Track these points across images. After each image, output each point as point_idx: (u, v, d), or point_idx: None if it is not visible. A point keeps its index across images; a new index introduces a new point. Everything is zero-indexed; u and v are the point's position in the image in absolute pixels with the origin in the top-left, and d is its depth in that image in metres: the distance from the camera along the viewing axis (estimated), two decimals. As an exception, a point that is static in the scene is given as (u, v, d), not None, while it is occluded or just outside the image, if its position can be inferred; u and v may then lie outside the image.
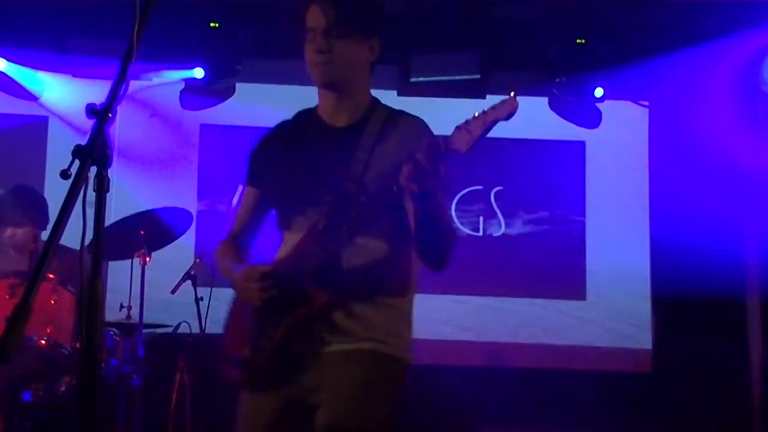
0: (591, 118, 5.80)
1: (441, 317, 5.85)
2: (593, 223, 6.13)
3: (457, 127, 2.08)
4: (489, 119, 2.07)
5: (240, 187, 2.55)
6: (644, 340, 5.92)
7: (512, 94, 2.08)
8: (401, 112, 2.44)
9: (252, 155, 2.54)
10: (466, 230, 6.07)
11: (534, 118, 5.87)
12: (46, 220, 4.37)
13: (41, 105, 5.73)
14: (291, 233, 2.36)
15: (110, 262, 4.92)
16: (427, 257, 2.30)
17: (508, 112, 2.07)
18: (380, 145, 2.31)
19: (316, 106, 2.47)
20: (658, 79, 5.91)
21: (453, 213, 6.04)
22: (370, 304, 2.29)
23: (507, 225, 6.08)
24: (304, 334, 2.28)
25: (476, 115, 2.08)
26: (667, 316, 5.82)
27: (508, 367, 5.81)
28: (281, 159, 2.44)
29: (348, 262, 2.26)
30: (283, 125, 2.53)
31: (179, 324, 4.84)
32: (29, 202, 4.33)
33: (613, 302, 6.02)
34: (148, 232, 4.39)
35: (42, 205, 4.37)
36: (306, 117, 2.48)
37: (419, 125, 2.40)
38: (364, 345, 2.28)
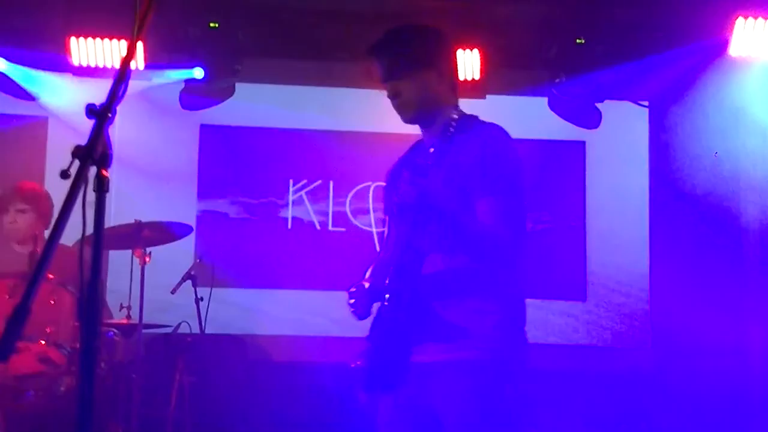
0: (591, 119, 5.80)
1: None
2: (593, 224, 6.14)
3: None
4: None
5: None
6: (644, 340, 5.92)
7: None
8: (471, 119, 2.58)
9: (384, 187, 2.77)
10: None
11: (534, 119, 5.87)
12: (50, 214, 4.40)
13: (41, 105, 5.72)
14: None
15: (110, 264, 4.93)
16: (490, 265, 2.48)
17: None
18: (451, 159, 2.44)
19: None
20: (658, 78, 5.92)
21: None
22: (461, 313, 2.40)
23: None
24: (399, 347, 2.41)
25: None
26: (667, 316, 5.82)
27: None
28: (393, 186, 2.61)
29: (426, 270, 2.41)
30: (405, 154, 2.74)
31: (179, 324, 4.85)
32: (33, 192, 4.38)
33: (612, 302, 6.03)
34: (149, 235, 4.41)
35: (46, 198, 4.41)
36: (415, 143, 2.73)
37: (487, 136, 2.54)
38: (464, 354, 2.38)
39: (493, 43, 5.39)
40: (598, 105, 5.75)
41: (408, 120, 2.62)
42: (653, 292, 5.97)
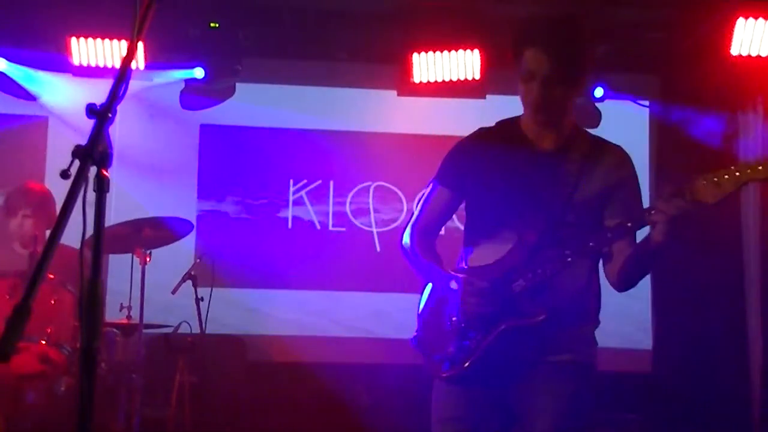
0: (591, 118, 5.80)
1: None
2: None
3: (704, 178, 2.18)
4: (743, 180, 2.15)
5: (431, 184, 2.64)
6: (644, 341, 5.92)
7: None
8: (602, 140, 2.59)
9: (451, 157, 2.61)
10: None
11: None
12: (53, 215, 4.40)
13: (41, 105, 5.72)
14: (491, 245, 2.48)
15: (110, 264, 4.93)
16: (625, 284, 2.56)
17: (765, 176, 2.13)
18: (587, 170, 2.44)
19: (519, 118, 2.56)
20: (658, 78, 5.92)
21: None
22: (574, 317, 2.49)
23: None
24: (516, 343, 2.40)
25: (731, 169, 2.15)
26: (667, 317, 5.82)
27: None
28: (484, 169, 2.52)
29: (562, 284, 2.41)
30: (486, 133, 2.60)
31: (179, 324, 4.84)
32: (40, 196, 4.38)
33: (612, 303, 6.01)
34: (149, 234, 4.40)
35: (50, 201, 4.41)
36: (510, 130, 2.55)
37: (624, 155, 2.58)
38: (568, 357, 2.47)
39: (493, 43, 5.39)
40: (598, 105, 5.75)
41: (542, 121, 2.49)
42: (654, 292, 5.96)
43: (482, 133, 2.61)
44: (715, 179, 2.15)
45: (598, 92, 5.58)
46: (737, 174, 2.14)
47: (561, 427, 2.42)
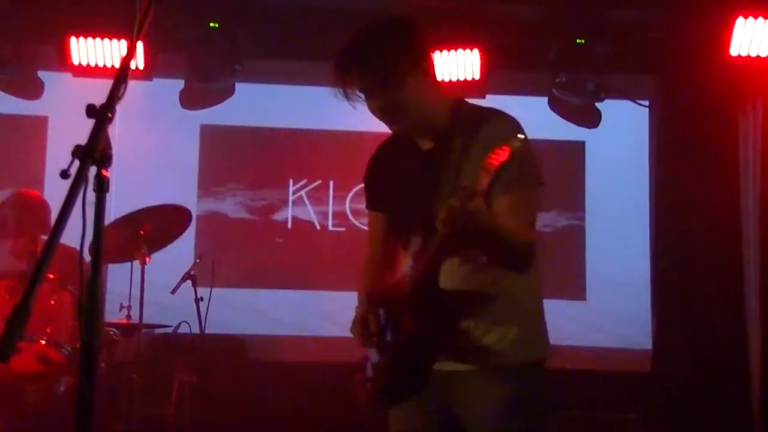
0: (591, 118, 5.80)
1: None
2: (593, 224, 6.14)
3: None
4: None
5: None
6: (644, 341, 5.92)
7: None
8: (484, 111, 2.40)
9: (365, 180, 2.63)
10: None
11: (534, 118, 5.83)
12: (48, 224, 4.38)
13: (41, 104, 5.71)
14: (407, 257, 2.40)
15: (110, 264, 4.92)
16: (499, 262, 2.32)
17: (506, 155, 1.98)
18: (465, 158, 2.29)
19: None
20: (657, 78, 5.92)
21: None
22: (477, 318, 2.31)
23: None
24: (417, 361, 2.30)
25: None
26: (667, 317, 5.81)
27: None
28: (387, 183, 2.52)
29: (444, 283, 2.26)
30: (384, 146, 2.59)
31: (179, 324, 4.84)
32: (29, 213, 4.34)
33: (612, 303, 6.02)
34: (149, 230, 4.39)
35: (42, 211, 4.38)
36: (402, 138, 2.48)
37: (502, 123, 2.31)
38: (487, 362, 2.31)
39: (493, 43, 5.39)
40: (598, 104, 5.75)
41: (401, 130, 2.41)
42: (654, 291, 5.96)
43: (382, 146, 2.59)
44: (485, 166, 1.97)
45: (596, 92, 5.56)
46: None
47: None
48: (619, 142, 6.15)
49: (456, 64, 5.37)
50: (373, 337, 2.32)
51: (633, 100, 6.00)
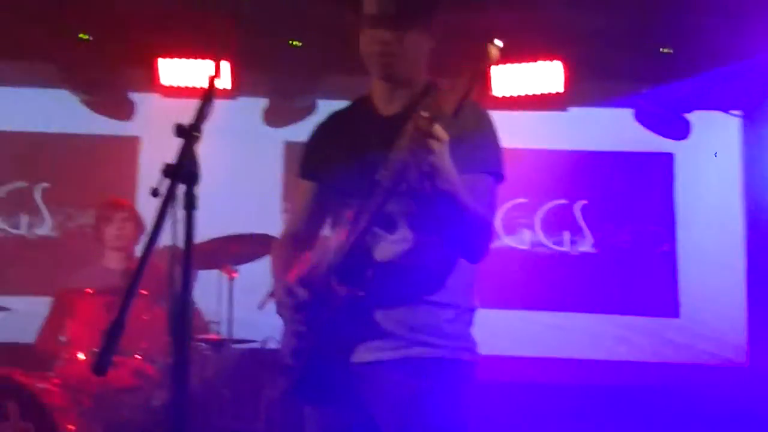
0: (679, 129, 5.66)
1: (529, 333, 5.77)
2: (685, 238, 5.96)
3: (444, 90, 1.87)
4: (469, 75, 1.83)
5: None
6: (739, 359, 5.71)
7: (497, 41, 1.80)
8: (453, 95, 2.18)
9: (306, 146, 2.42)
10: (551, 245, 5.98)
11: (619, 130, 5.75)
12: (142, 232, 4.56)
13: (133, 124, 5.90)
14: (338, 230, 2.24)
15: (199, 280, 5.02)
16: (458, 248, 2.13)
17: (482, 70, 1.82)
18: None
19: (371, 92, 2.34)
20: (750, 87, 5.73)
21: (539, 228, 5.96)
22: (411, 303, 2.12)
23: (593, 240, 5.97)
24: (343, 340, 2.12)
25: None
26: (764, 335, 5.60)
27: (597, 384, 5.68)
28: (335, 151, 2.30)
29: (378, 256, 2.09)
30: (338, 114, 2.43)
31: (266, 339, 4.90)
32: (130, 206, 4.66)
33: (706, 320, 5.84)
34: (236, 250, 4.48)
35: (139, 215, 4.58)
36: (360, 105, 2.35)
37: (475, 110, 2.18)
38: (411, 351, 2.11)
39: (576, 55, 5.31)
40: (687, 115, 5.60)
41: (387, 77, 2.22)
42: (751, 309, 5.76)
43: (335, 114, 2.42)
44: (454, 88, 1.82)
45: (684, 102, 5.42)
46: (465, 75, 1.81)
47: None
48: (710, 154, 5.97)
49: (538, 77, 5.30)
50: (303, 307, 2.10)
51: (724, 109, 5.83)
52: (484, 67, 1.81)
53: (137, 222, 4.58)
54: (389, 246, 2.11)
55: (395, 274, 2.12)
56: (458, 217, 2.03)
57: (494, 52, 1.80)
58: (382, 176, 2.01)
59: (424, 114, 1.84)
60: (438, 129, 1.86)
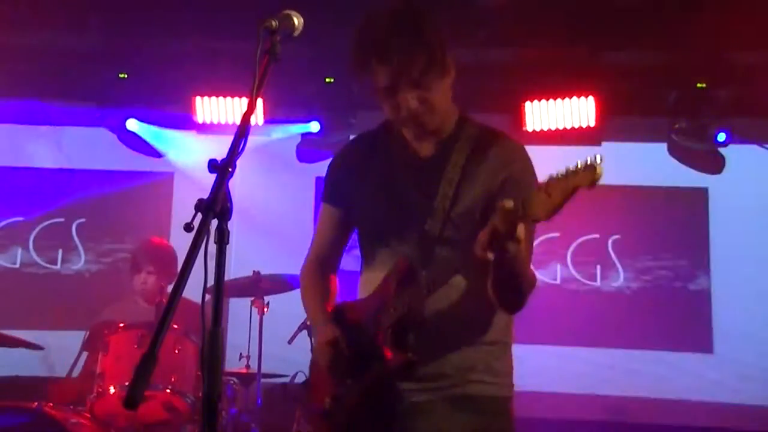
0: (713, 163, 5.60)
1: (562, 369, 5.71)
2: (719, 273, 5.88)
3: (538, 189, 1.81)
4: (570, 186, 1.75)
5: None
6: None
7: (598, 158, 1.74)
8: (492, 133, 2.23)
9: (330, 168, 2.38)
10: (582, 280, 5.93)
11: (652, 164, 5.71)
12: (174, 268, 4.58)
13: (167, 161, 5.99)
14: (373, 271, 2.24)
15: (230, 314, 5.05)
16: (500, 302, 2.12)
17: (590, 180, 1.73)
18: (467, 176, 2.13)
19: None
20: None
21: (569, 262, 5.92)
22: (462, 346, 2.15)
23: (625, 275, 5.91)
24: (388, 388, 2.13)
25: (557, 177, 1.77)
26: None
27: (630, 422, 5.59)
28: (364, 179, 2.26)
29: (432, 307, 2.09)
30: (366, 139, 2.35)
31: (296, 374, 4.87)
32: (162, 254, 4.59)
33: (741, 357, 5.73)
34: (267, 286, 4.51)
35: (172, 257, 4.59)
36: (392, 136, 2.27)
37: (513, 149, 2.19)
38: (456, 390, 2.13)
39: (610, 90, 5.31)
40: (721, 149, 5.55)
41: (426, 132, 2.17)
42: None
43: (363, 138, 2.35)
44: (546, 190, 1.76)
45: (721, 137, 5.40)
46: (563, 181, 1.75)
47: None
48: (745, 188, 5.90)
49: (571, 112, 5.30)
50: (345, 365, 2.14)
51: (759, 143, 5.77)
52: (587, 184, 1.75)
53: (161, 275, 4.56)
54: (444, 293, 2.10)
55: (449, 323, 2.13)
56: (512, 284, 2.05)
57: (599, 172, 1.74)
58: (435, 227, 2.07)
59: (508, 205, 1.81)
60: (520, 230, 1.85)
